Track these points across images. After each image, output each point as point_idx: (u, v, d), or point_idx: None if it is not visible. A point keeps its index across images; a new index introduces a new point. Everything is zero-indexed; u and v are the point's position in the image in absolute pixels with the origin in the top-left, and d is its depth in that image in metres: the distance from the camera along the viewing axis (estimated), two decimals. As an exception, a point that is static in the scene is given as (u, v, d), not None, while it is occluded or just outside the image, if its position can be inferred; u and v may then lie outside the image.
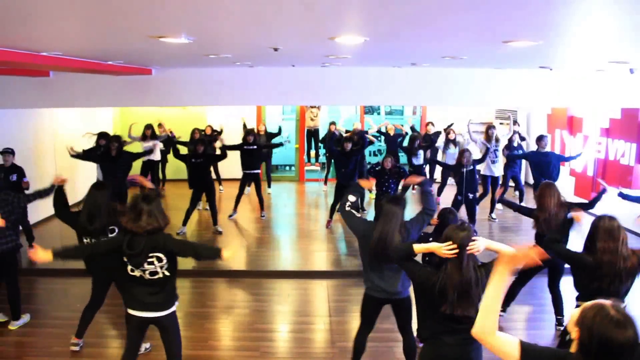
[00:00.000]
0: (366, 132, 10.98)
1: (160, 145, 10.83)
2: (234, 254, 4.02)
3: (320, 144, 13.58)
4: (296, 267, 7.75)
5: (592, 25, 3.00)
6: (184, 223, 8.82)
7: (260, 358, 5.20)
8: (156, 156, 10.86)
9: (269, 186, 12.04)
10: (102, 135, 9.26)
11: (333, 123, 12.04)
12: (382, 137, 12.01)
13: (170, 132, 10.31)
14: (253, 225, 9.65)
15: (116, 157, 8.17)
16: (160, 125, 11.48)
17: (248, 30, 3.41)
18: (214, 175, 9.83)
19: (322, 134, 13.78)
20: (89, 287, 6.87)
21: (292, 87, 7.58)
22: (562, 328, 5.61)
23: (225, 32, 3.55)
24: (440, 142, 11.15)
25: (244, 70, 7.42)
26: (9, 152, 7.60)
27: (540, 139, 8.97)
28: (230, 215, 9.71)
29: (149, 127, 10.72)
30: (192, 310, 6.22)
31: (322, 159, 13.90)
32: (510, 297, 5.66)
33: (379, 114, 15.12)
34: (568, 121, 10.74)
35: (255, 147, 9.64)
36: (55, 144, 9.69)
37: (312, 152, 13.58)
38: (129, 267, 3.86)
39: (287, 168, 14.71)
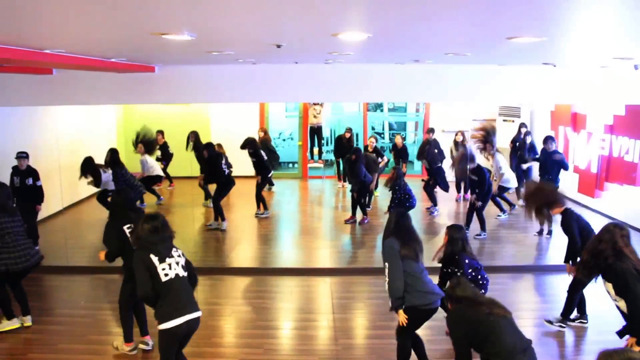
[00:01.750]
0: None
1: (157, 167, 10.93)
2: None
3: (322, 141, 13.61)
4: (299, 264, 7.76)
5: (596, 21, 2.98)
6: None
7: (264, 355, 5.20)
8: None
9: (272, 184, 12.08)
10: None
11: (349, 130, 12.23)
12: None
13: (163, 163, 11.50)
14: (256, 223, 9.66)
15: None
16: (159, 132, 11.54)
17: (251, 27, 3.40)
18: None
19: (324, 131, 13.82)
20: (92, 284, 6.93)
21: (295, 84, 7.57)
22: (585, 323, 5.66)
23: (228, 29, 3.55)
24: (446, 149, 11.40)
25: (247, 67, 7.41)
26: (23, 156, 7.68)
27: (546, 140, 9.00)
28: (257, 214, 9.92)
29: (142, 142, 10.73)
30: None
31: (325, 156, 13.91)
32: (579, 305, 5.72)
33: (382, 110, 15.11)
34: (572, 118, 10.70)
35: (254, 159, 9.85)
36: (59, 142, 9.70)
37: (315, 150, 13.58)
38: None
39: (291, 165, 14.72)
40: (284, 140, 14.46)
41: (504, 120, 12.93)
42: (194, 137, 10.79)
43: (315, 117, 13.19)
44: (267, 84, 7.57)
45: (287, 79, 7.54)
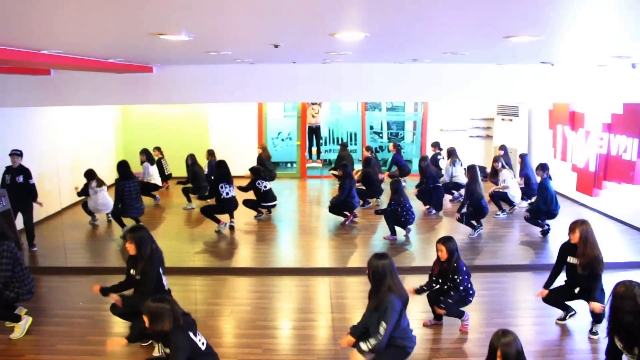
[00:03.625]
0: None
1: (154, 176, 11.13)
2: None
3: (321, 141, 13.61)
4: (298, 264, 7.76)
5: (594, 20, 2.98)
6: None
7: (263, 355, 5.20)
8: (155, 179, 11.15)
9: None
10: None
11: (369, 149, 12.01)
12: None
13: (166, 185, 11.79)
14: (255, 222, 9.66)
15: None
16: (156, 148, 11.63)
17: (248, 27, 3.40)
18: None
19: (323, 131, 13.82)
20: (90, 284, 6.89)
21: (293, 84, 7.57)
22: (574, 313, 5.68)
23: (226, 29, 3.55)
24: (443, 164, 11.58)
25: (245, 67, 7.41)
26: (17, 153, 7.71)
27: (541, 168, 8.70)
28: (257, 216, 9.97)
29: (143, 152, 11.01)
30: (194, 307, 6.23)
31: (324, 155, 13.91)
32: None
33: (380, 110, 15.11)
34: (570, 117, 10.71)
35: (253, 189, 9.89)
36: (57, 143, 9.69)
37: (314, 149, 13.58)
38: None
39: (289, 165, 14.72)
40: (282, 140, 14.47)
41: (502, 119, 12.95)
42: (191, 160, 10.82)
43: (313, 116, 13.19)
44: (265, 84, 7.57)
45: (285, 79, 7.54)
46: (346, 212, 9.42)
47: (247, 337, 5.58)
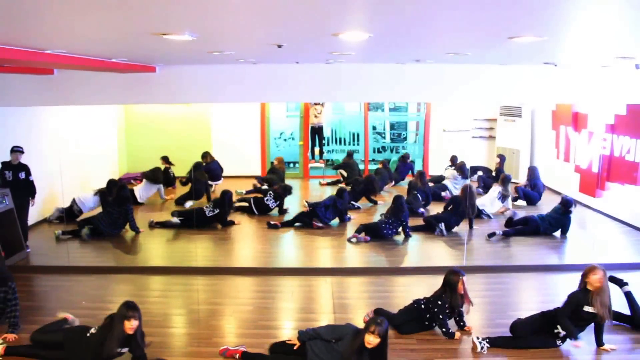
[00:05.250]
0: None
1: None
2: None
3: (323, 141, 13.61)
4: (300, 264, 7.76)
5: (598, 21, 2.98)
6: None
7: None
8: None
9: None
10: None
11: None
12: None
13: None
14: (257, 223, 9.66)
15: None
16: (163, 158, 11.73)
17: (252, 27, 3.41)
18: None
19: (325, 131, 13.83)
20: (92, 283, 6.93)
21: (296, 84, 7.58)
22: None
23: (229, 29, 3.55)
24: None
25: (248, 67, 7.42)
26: (20, 150, 7.73)
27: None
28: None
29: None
30: (197, 307, 6.24)
31: (326, 156, 13.91)
32: None
33: (382, 110, 15.11)
34: (573, 117, 10.69)
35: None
36: (60, 143, 9.70)
37: (317, 149, 13.59)
38: None
39: (292, 165, 14.72)
40: (284, 140, 14.47)
41: (505, 120, 12.94)
42: (194, 166, 10.85)
43: (316, 116, 13.19)
44: (268, 84, 7.58)
45: (288, 79, 7.55)
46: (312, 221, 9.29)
47: (249, 337, 5.57)
